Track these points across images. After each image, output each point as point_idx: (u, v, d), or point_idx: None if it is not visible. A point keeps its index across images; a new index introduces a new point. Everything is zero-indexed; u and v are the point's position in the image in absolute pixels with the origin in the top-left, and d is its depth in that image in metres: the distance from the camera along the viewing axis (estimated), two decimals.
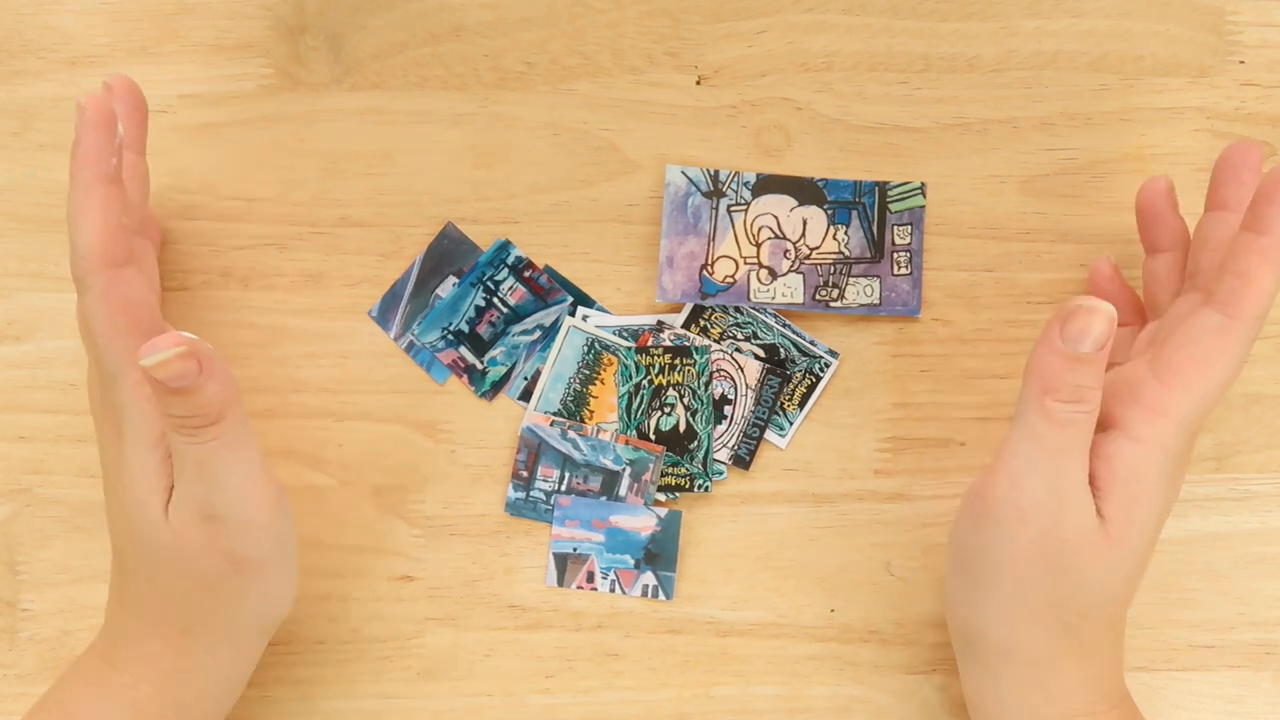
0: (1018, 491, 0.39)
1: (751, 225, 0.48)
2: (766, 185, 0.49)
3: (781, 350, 0.48)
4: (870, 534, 0.49)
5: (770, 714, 0.48)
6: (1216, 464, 0.49)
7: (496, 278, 0.49)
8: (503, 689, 0.48)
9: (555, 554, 0.48)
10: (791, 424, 0.49)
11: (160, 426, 0.40)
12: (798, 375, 0.48)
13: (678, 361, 0.48)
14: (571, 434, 0.48)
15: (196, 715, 0.43)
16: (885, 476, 0.49)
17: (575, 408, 0.48)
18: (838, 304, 0.49)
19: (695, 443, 0.48)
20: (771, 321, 0.48)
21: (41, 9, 0.50)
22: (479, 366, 0.49)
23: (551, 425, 0.48)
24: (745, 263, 0.48)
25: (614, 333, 0.48)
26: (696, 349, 0.47)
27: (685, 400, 0.47)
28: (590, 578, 0.48)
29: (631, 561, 0.48)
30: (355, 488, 0.49)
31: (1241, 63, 0.50)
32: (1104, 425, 0.40)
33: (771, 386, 0.48)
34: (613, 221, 0.50)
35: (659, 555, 0.48)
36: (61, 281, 0.50)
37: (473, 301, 0.49)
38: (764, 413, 0.48)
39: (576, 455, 0.48)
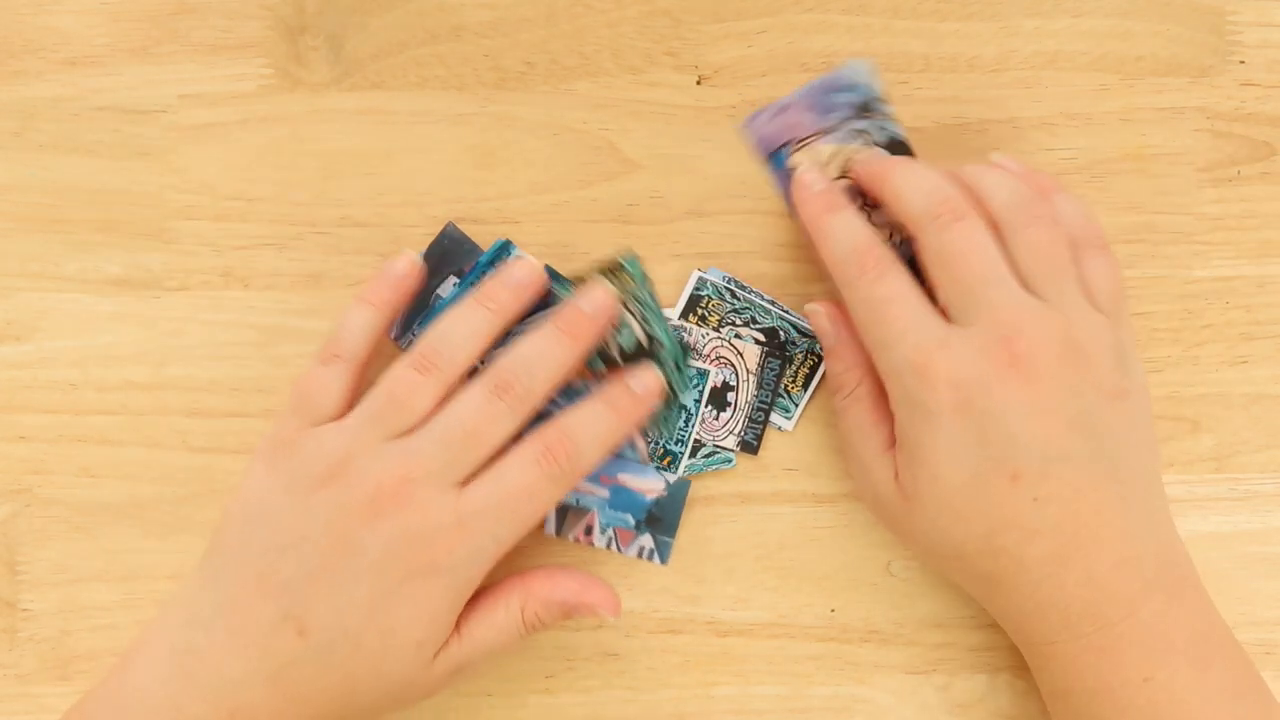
0: (850, 475, 0.47)
1: (848, 159, 0.48)
2: (892, 146, 0.48)
3: (781, 333, 0.48)
4: (870, 534, 0.49)
5: (770, 714, 0.48)
6: (1216, 464, 0.49)
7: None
8: (503, 689, 0.48)
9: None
10: (797, 406, 0.49)
11: (469, 594, 0.42)
12: (799, 356, 0.49)
13: (614, 278, 0.48)
14: None
15: None
16: None
17: None
18: None
19: (658, 348, 0.47)
20: (769, 305, 0.48)
21: (41, 9, 0.50)
22: (479, 365, 0.49)
23: None
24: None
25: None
26: (624, 259, 0.47)
27: (634, 309, 0.47)
28: (589, 531, 0.48)
29: (632, 521, 0.48)
30: None
31: (1241, 63, 0.50)
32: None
33: (772, 369, 0.48)
34: (613, 221, 0.50)
35: (660, 519, 0.48)
36: (61, 281, 0.50)
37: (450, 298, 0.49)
38: (767, 396, 0.48)
39: (553, 406, 0.48)
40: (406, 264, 0.46)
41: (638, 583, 0.49)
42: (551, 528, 0.48)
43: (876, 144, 0.48)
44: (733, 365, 0.49)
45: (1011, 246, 0.43)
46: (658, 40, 0.50)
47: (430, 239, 0.49)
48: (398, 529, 0.41)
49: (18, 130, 0.50)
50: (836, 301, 0.46)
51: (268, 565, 0.41)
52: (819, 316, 0.47)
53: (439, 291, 0.49)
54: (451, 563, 0.41)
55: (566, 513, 0.48)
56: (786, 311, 0.49)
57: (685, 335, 0.48)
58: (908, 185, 0.44)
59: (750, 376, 0.49)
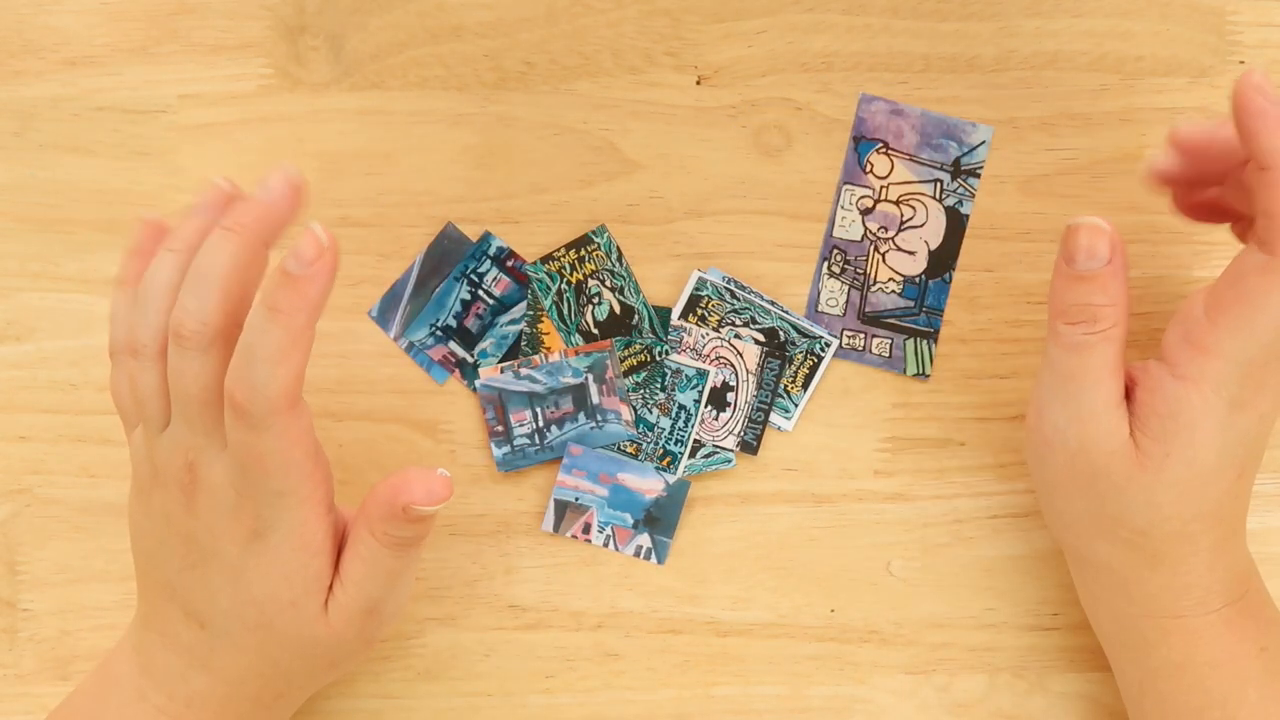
0: (1041, 420, 0.42)
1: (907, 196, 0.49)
2: (951, 216, 0.49)
3: (781, 333, 0.48)
4: (870, 534, 0.49)
5: (770, 714, 0.48)
6: None
7: (480, 270, 0.49)
8: (503, 689, 0.48)
9: (556, 500, 0.48)
10: (797, 406, 0.49)
11: (322, 532, 0.40)
12: (799, 357, 0.49)
13: (584, 252, 0.48)
14: (524, 371, 0.48)
15: None
16: (885, 476, 0.49)
17: (533, 349, 0.48)
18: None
19: (635, 317, 0.48)
20: (768, 305, 0.48)
21: (41, 9, 0.50)
22: (470, 360, 0.49)
23: (502, 372, 0.48)
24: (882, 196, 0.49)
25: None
26: (593, 232, 0.47)
27: (607, 283, 0.47)
28: (586, 529, 0.48)
29: (630, 520, 0.48)
30: (355, 488, 0.49)
31: (1241, 63, 0.50)
32: (1161, 354, 0.41)
33: (772, 369, 0.48)
34: (613, 221, 0.50)
35: (659, 519, 0.48)
36: (61, 281, 0.50)
37: (458, 295, 0.49)
38: (766, 396, 0.48)
39: (539, 388, 0.48)
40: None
41: (638, 583, 0.49)
42: (549, 525, 0.48)
43: (943, 204, 0.49)
44: (732, 365, 0.49)
45: None
46: (658, 40, 0.50)
47: (430, 239, 0.49)
48: (206, 508, 0.40)
49: (18, 130, 0.50)
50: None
51: (154, 572, 0.42)
52: (1100, 233, 0.40)
53: (439, 291, 0.49)
54: (262, 523, 0.39)
55: (565, 510, 0.48)
56: (786, 312, 0.49)
57: (685, 335, 0.48)
58: None
59: (750, 376, 0.49)
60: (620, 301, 0.48)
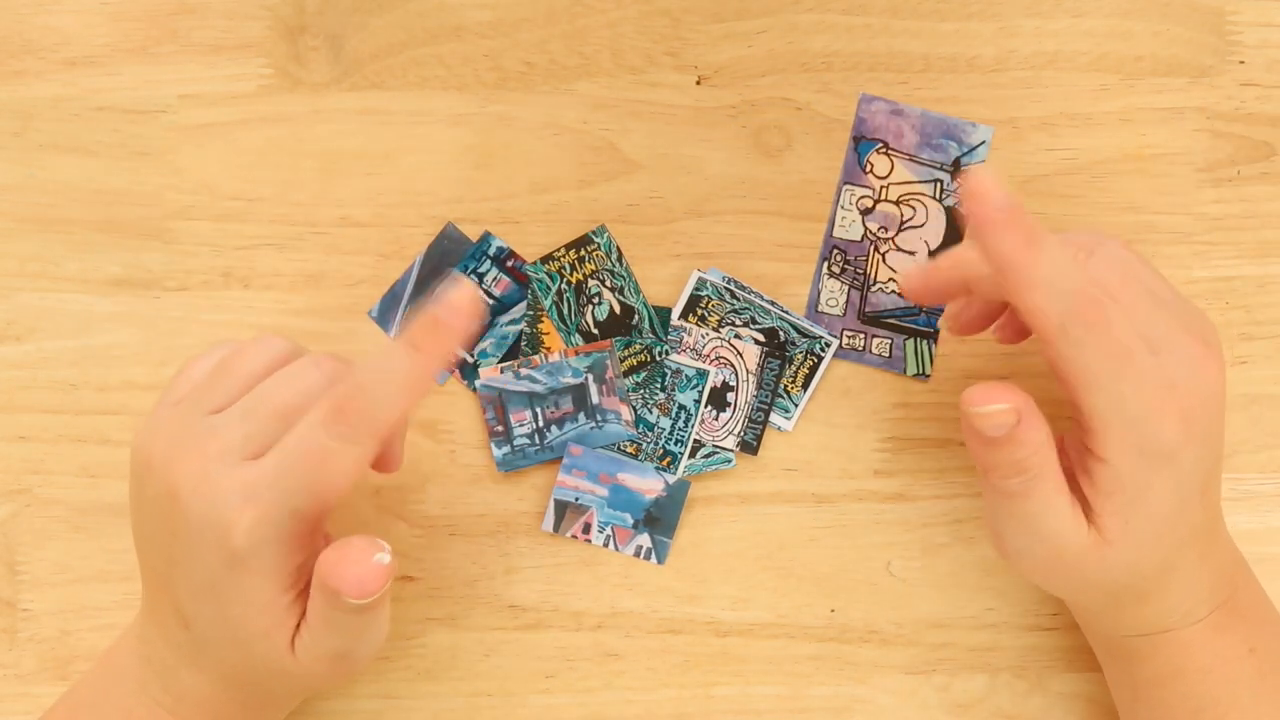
0: (1003, 542, 0.42)
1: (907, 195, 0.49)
2: (949, 214, 0.49)
3: (781, 333, 0.48)
4: (870, 534, 0.49)
5: (770, 714, 0.48)
6: None
7: (480, 270, 0.49)
8: (503, 689, 0.48)
9: (556, 500, 0.48)
10: (797, 406, 0.49)
11: (294, 570, 0.38)
12: (799, 356, 0.49)
13: (584, 252, 0.48)
14: (524, 371, 0.48)
15: None
16: (885, 476, 0.49)
17: (533, 349, 0.48)
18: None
19: (635, 317, 0.48)
20: (768, 305, 0.48)
21: (41, 9, 0.50)
22: (470, 360, 0.49)
23: (502, 372, 0.48)
24: (881, 197, 0.49)
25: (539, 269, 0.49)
26: (593, 232, 0.48)
27: (607, 283, 0.47)
28: (586, 529, 0.48)
29: (630, 520, 0.48)
30: (355, 487, 0.49)
31: (1241, 63, 0.50)
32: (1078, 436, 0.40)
33: (772, 369, 0.48)
34: (613, 221, 0.50)
35: (659, 520, 0.48)
36: (61, 281, 0.50)
37: None
38: (766, 396, 0.48)
39: (539, 388, 0.48)
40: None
41: (638, 583, 0.49)
42: (549, 525, 0.48)
43: (943, 204, 0.49)
44: (732, 365, 0.49)
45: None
46: (658, 40, 0.50)
47: (430, 239, 0.49)
48: (200, 515, 0.38)
49: (18, 130, 0.50)
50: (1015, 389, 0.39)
51: (148, 564, 0.41)
52: (1002, 415, 0.38)
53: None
54: (251, 544, 0.37)
55: (565, 510, 0.48)
56: (786, 312, 0.49)
57: (685, 335, 0.48)
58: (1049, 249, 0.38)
59: (750, 376, 0.49)
60: (620, 301, 0.48)
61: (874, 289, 0.49)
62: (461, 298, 0.37)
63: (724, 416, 0.49)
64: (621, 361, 0.48)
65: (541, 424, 0.48)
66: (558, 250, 0.49)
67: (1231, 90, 0.50)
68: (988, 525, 0.43)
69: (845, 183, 0.49)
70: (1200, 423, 0.39)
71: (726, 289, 0.49)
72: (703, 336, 0.49)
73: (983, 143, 0.49)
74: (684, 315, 0.49)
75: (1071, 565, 0.40)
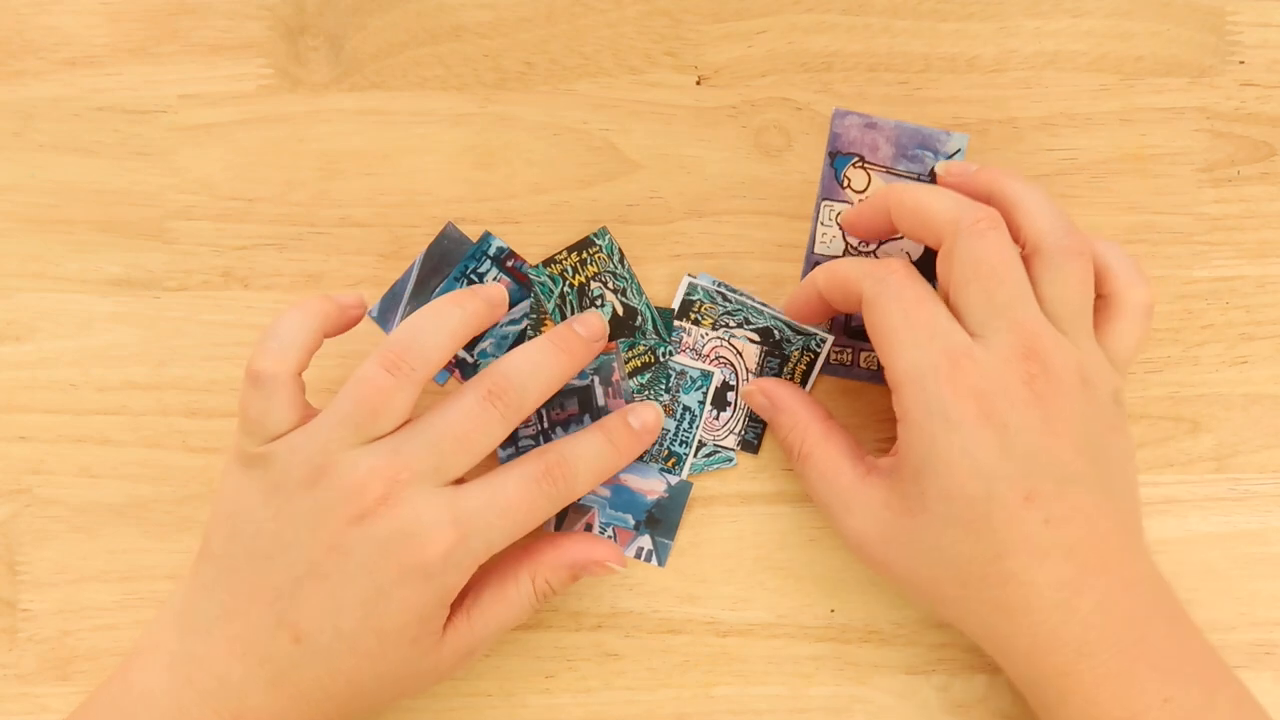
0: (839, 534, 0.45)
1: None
2: None
3: (775, 333, 0.48)
4: None
5: (770, 714, 0.48)
6: (1216, 464, 0.49)
7: (480, 270, 0.49)
8: (503, 689, 0.48)
9: None
10: None
11: (460, 587, 0.42)
12: (795, 354, 0.49)
13: (585, 255, 0.48)
14: None
15: None
16: None
17: None
18: None
19: (638, 319, 0.48)
20: (760, 307, 0.48)
21: (41, 9, 0.50)
22: (470, 360, 0.49)
23: None
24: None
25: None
26: (595, 234, 0.48)
27: (610, 285, 0.47)
28: (588, 529, 0.48)
29: (632, 522, 0.48)
30: None
31: (1241, 63, 0.50)
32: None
33: (771, 368, 0.49)
34: (613, 221, 0.50)
35: (661, 521, 0.48)
36: (61, 281, 0.50)
37: None
38: None
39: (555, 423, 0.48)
40: (356, 301, 0.45)
41: (638, 583, 0.49)
42: (551, 525, 0.48)
43: None
44: (732, 365, 0.49)
45: (1041, 271, 0.42)
46: (658, 40, 0.50)
47: (430, 239, 0.49)
48: (388, 530, 0.40)
49: (18, 130, 0.50)
50: (761, 379, 0.48)
51: (257, 574, 0.41)
52: (753, 397, 0.48)
53: (439, 292, 0.49)
54: (444, 565, 0.40)
55: (567, 511, 0.48)
56: (778, 312, 0.49)
57: (685, 335, 0.48)
58: (936, 196, 0.43)
59: (750, 375, 0.49)
60: (623, 303, 0.48)
61: None
62: (595, 322, 0.46)
63: (725, 415, 0.49)
64: (626, 363, 0.48)
65: (546, 425, 0.48)
66: (559, 253, 0.49)
67: (1231, 90, 0.50)
68: None
69: (824, 199, 0.49)
70: (1000, 414, 0.40)
71: (718, 292, 0.49)
72: (702, 336, 0.49)
73: (959, 150, 0.49)
74: (679, 316, 0.49)
75: (882, 537, 0.43)
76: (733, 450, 0.49)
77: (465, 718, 0.48)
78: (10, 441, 0.49)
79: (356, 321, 0.45)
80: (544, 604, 0.45)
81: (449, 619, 0.42)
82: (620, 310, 0.48)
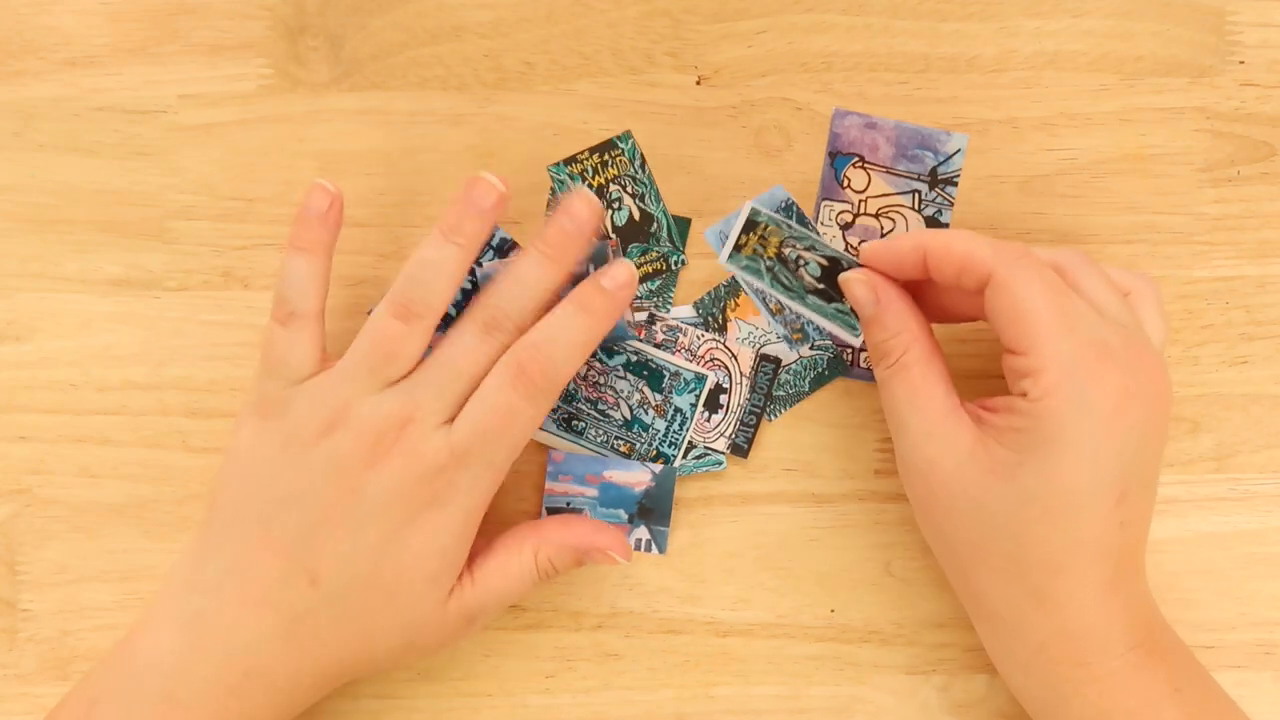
0: (898, 460, 0.43)
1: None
2: (930, 223, 0.49)
3: (844, 262, 0.48)
4: (870, 534, 0.49)
5: (770, 714, 0.48)
6: (1216, 464, 0.49)
7: (482, 259, 0.49)
8: (503, 689, 0.48)
9: (548, 508, 0.48)
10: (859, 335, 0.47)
11: (478, 523, 0.43)
12: None
13: (607, 156, 0.48)
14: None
15: None
16: (885, 476, 0.49)
17: None
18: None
19: (654, 225, 0.48)
20: (826, 237, 0.48)
21: (41, 9, 0.50)
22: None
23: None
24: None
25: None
26: (618, 137, 0.48)
27: (629, 189, 0.47)
28: None
29: (625, 516, 0.48)
30: None
31: (1241, 63, 0.50)
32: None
33: (765, 374, 0.48)
34: None
35: (653, 510, 0.48)
36: (61, 281, 0.50)
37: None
38: (759, 400, 0.48)
39: None
40: (323, 197, 0.45)
41: (638, 583, 0.49)
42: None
43: (922, 214, 0.49)
44: (727, 368, 0.49)
45: (1076, 280, 0.43)
46: (658, 40, 0.50)
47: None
48: (399, 471, 0.42)
49: (18, 130, 0.50)
50: (872, 269, 0.44)
51: (271, 521, 0.42)
52: (859, 285, 0.44)
53: None
54: (452, 494, 0.42)
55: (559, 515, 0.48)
56: (841, 251, 0.47)
57: (681, 335, 0.48)
58: (971, 238, 0.42)
59: (744, 380, 0.49)
60: (640, 209, 0.48)
61: None
62: (621, 271, 0.44)
63: (715, 418, 0.49)
64: (638, 268, 0.48)
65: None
66: (581, 153, 0.49)
67: (1231, 90, 0.50)
68: (894, 445, 0.44)
69: (824, 199, 0.49)
70: (1131, 414, 0.40)
71: (784, 221, 0.46)
72: (698, 338, 0.49)
73: (958, 150, 0.49)
74: (743, 234, 0.47)
75: (952, 487, 0.41)
76: (722, 454, 0.49)
77: (465, 718, 0.48)
78: (10, 441, 0.49)
79: (341, 214, 0.45)
80: (545, 581, 0.45)
81: (459, 581, 0.43)
82: (637, 215, 0.48)
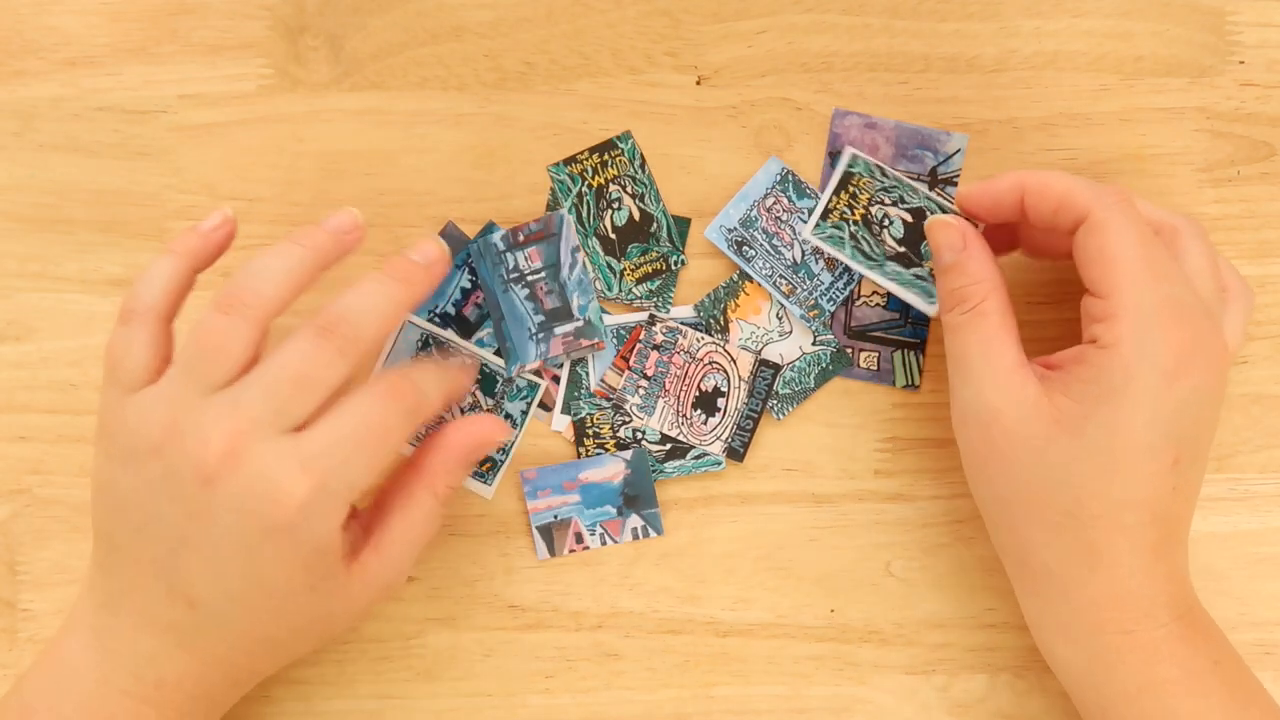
0: (955, 405, 0.43)
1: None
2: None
3: (929, 213, 0.47)
4: (870, 534, 0.49)
5: (770, 714, 0.48)
6: (1216, 464, 0.49)
7: (485, 258, 0.49)
8: (503, 689, 0.48)
9: (538, 527, 0.48)
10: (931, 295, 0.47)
11: (345, 521, 0.41)
12: None
13: (607, 156, 0.48)
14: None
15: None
16: (885, 476, 0.49)
17: None
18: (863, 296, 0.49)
19: (654, 225, 0.48)
20: (919, 186, 0.48)
21: (41, 9, 0.50)
22: (467, 348, 0.49)
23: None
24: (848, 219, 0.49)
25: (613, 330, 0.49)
26: (618, 137, 0.48)
27: (629, 189, 0.47)
28: (579, 539, 0.48)
29: (613, 510, 0.48)
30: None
31: (1241, 63, 0.50)
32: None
33: (764, 378, 0.48)
34: None
35: (637, 496, 0.48)
36: (61, 281, 0.50)
37: (458, 284, 0.49)
38: (757, 405, 0.48)
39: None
40: (216, 216, 0.43)
41: (638, 583, 0.49)
42: (543, 552, 0.48)
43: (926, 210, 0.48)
44: (725, 371, 0.49)
45: (1188, 244, 0.44)
46: (658, 40, 0.50)
47: None
48: (240, 489, 0.39)
49: (18, 130, 0.50)
50: (964, 211, 0.45)
51: (137, 547, 0.40)
52: (947, 227, 0.44)
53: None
54: (306, 515, 0.39)
55: (550, 532, 0.48)
56: (934, 196, 0.47)
57: (680, 338, 0.48)
58: (1072, 178, 0.43)
59: (741, 384, 0.49)
60: (640, 209, 0.48)
61: (859, 303, 0.49)
62: (432, 248, 0.43)
63: (712, 421, 0.49)
64: (637, 269, 0.48)
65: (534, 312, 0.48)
66: (581, 153, 0.49)
67: (1231, 90, 0.50)
68: (951, 396, 0.43)
69: (822, 186, 0.49)
70: (1193, 378, 0.40)
71: (877, 167, 0.47)
72: (698, 340, 0.49)
73: (958, 150, 0.49)
74: (836, 192, 0.47)
75: (1013, 435, 0.41)
76: (720, 457, 0.49)
77: (465, 718, 0.48)
78: (10, 441, 0.49)
79: (228, 243, 0.44)
80: (450, 505, 0.43)
81: (358, 557, 0.41)
82: (637, 215, 0.48)
